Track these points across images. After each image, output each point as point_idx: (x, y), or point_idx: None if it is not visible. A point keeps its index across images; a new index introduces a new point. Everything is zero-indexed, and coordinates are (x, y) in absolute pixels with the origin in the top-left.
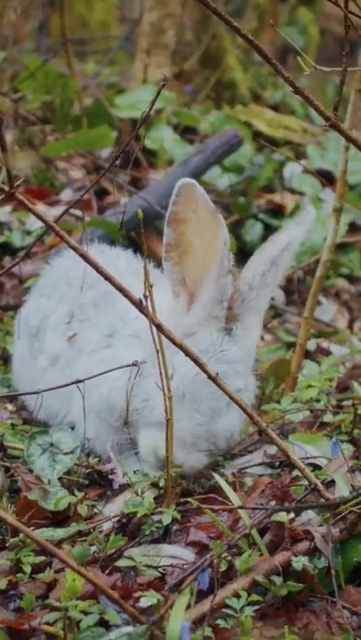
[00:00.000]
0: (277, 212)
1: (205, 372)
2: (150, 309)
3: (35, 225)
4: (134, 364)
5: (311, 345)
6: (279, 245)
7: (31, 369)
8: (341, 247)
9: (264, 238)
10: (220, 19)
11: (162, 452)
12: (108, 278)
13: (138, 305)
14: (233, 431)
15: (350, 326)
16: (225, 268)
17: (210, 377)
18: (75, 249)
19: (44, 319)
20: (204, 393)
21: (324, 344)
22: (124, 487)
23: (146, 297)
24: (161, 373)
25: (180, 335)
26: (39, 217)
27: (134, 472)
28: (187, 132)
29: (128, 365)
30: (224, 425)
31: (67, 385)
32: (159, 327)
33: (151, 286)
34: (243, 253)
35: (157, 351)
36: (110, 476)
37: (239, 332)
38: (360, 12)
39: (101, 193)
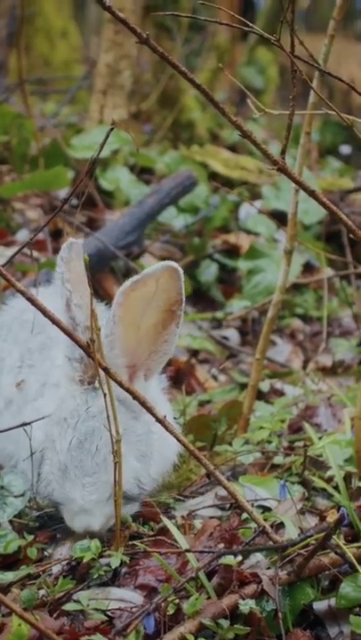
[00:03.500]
0: (233, 252)
1: (153, 415)
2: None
3: None
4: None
5: (265, 386)
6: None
7: None
8: (297, 287)
9: (219, 279)
10: (167, 63)
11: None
12: (55, 322)
13: (85, 349)
14: (137, 476)
15: (304, 367)
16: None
17: (157, 420)
18: (22, 292)
19: (0, 361)
20: (84, 455)
21: (278, 385)
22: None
23: (93, 341)
24: (108, 416)
25: None
26: None
27: None
28: (144, 173)
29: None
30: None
31: (6, 430)
32: (107, 371)
33: (99, 329)
34: (198, 294)
35: (105, 395)
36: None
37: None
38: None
39: (57, 234)
